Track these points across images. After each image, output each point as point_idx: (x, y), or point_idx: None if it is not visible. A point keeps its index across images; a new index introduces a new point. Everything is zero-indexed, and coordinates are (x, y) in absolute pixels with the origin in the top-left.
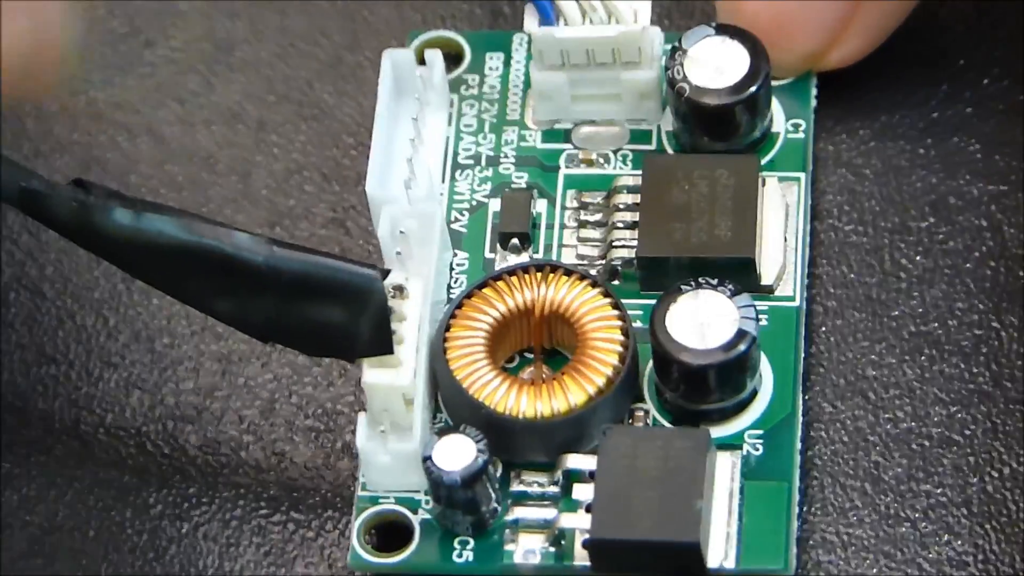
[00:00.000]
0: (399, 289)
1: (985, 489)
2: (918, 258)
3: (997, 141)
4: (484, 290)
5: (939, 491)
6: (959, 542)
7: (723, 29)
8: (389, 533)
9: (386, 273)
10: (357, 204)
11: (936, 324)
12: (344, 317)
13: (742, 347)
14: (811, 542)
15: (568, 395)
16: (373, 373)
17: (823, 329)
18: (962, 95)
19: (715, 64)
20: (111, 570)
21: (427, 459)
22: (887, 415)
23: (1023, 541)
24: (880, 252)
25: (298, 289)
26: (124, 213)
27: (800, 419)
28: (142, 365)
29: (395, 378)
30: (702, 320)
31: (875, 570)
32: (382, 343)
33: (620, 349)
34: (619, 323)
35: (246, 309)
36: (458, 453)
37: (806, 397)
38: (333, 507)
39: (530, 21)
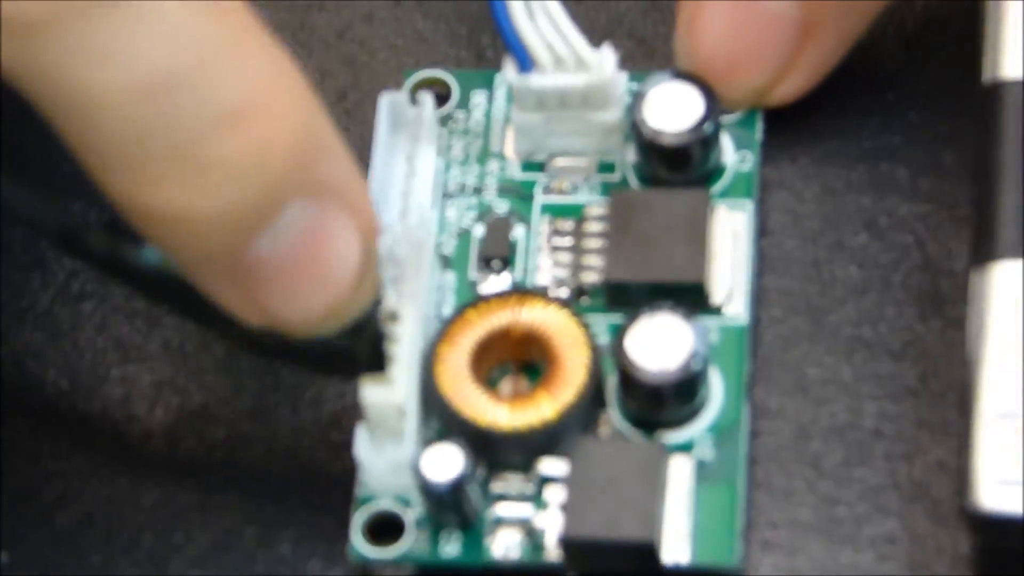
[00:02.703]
0: (393, 314)
1: (913, 474)
2: (853, 270)
3: (922, 167)
4: (468, 313)
5: (872, 476)
6: (891, 522)
7: (679, 75)
8: (384, 528)
9: (379, 301)
10: None
11: (869, 328)
12: (343, 340)
13: (694, 366)
14: (760, 522)
15: (541, 409)
16: (370, 390)
17: (769, 334)
18: (891, 126)
19: (672, 106)
20: (145, 551)
21: (417, 468)
22: (826, 409)
23: (947, 520)
24: (819, 265)
25: None
26: (151, 252)
27: (746, 426)
28: (164, 366)
29: (390, 395)
30: (659, 342)
31: (816, 546)
32: (377, 365)
33: (586, 367)
34: (585, 344)
35: (255, 333)
36: (445, 463)
37: (754, 394)
38: (337, 499)
39: (509, 68)
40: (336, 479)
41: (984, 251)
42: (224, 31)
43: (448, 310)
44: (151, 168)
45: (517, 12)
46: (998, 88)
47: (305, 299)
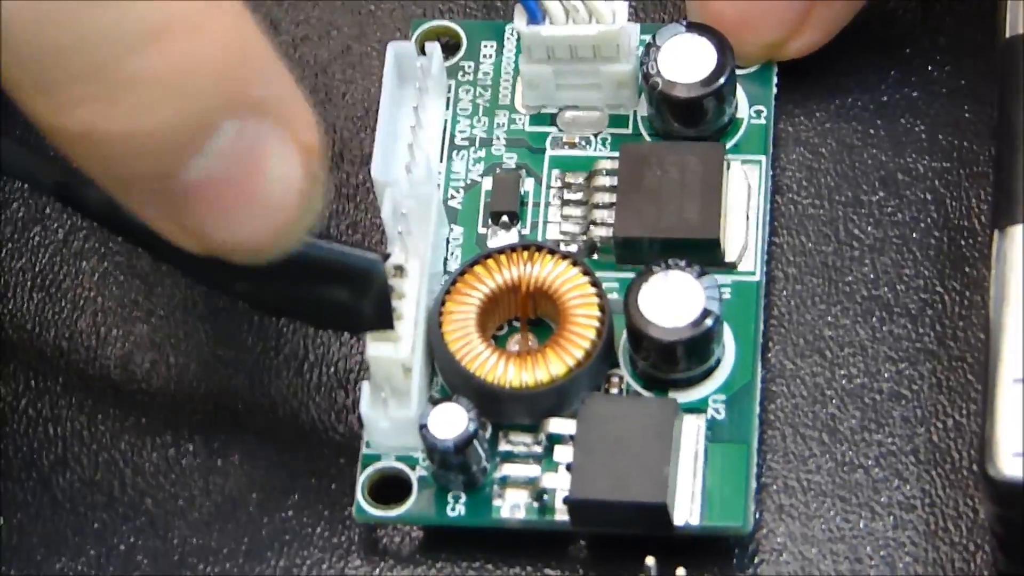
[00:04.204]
0: (399, 269)
1: (931, 439)
2: (870, 228)
3: (941, 122)
4: (476, 268)
5: (890, 441)
6: (908, 487)
7: (692, 26)
8: (390, 488)
9: (387, 256)
10: (366, 181)
11: (886, 288)
12: (349, 297)
13: (706, 324)
14: (774, 488)
15: (550, 366)
16: (375, 346)
17: (784, 294)
18: (909, 80)
19: (685, 59)
20: (147, 516)
21: (423, 427)
22: (842, 371)
23: (965, 486)
24: (835, 223)
25: (307, 272)
26: None
27: (759, 386)
28: (166, 324)
29: (395, 351)
30: (671, 299)
31: (832, 513)
32: (384, 320)
33: (597, 324)
34: (596, 300)
35: (260, 290)
36: (451, 421)
37: (769, 355)
38: (345, 456)
39: (519, 20)
40: (341, 438)
41: (1005, 214)
42: None
43: (455, 265)
44: (69, 88)
45: None
46: (1018, 43)
47: (243, 223)
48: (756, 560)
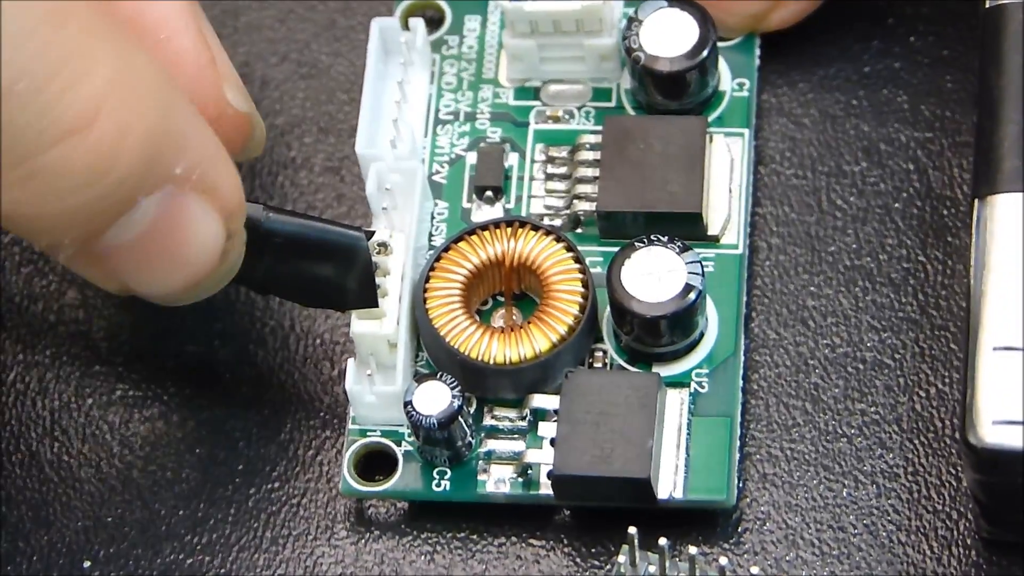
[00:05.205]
0: (383, 246)
1: (914, 408)
2: (852, 198)
3: (923, 92)
4: (460, 244)
5: (872, 410)
6: (891, 455)
7: (674, 1)
8: (376, 462)
9: (371, 234)
10: (351, 154)
11: (869, 258)
12: (334, 274)
13: (689, 299)
14: (757, 457)
15: (534, 341)
16: (360, 323)
17: (767, 264)
18: (892, 50)
19: (667, 33)
20: (134, 487)
21: (408, 403)
22: (825, 341)
23: (948, 454)
24: (818, 193)
25: (292, 250)
26: None
27: (742, 360)
28: (140, 302)
29: (380, 327)
30: (654, 274)
31: (815, 481)
32: (368, 297)
33: (580, 300)
34: (580, 275)
35: (246, 267)
36: (435, 398)
37: (752, 325)
38: (331, 428)
39: None
40: (327, 414)
41: (985, 183)
42: (68, 36)
43: (440, 239)
44: None
45: None
46: (1001, 11)
47: (161, 278)
48: (740, 528)
